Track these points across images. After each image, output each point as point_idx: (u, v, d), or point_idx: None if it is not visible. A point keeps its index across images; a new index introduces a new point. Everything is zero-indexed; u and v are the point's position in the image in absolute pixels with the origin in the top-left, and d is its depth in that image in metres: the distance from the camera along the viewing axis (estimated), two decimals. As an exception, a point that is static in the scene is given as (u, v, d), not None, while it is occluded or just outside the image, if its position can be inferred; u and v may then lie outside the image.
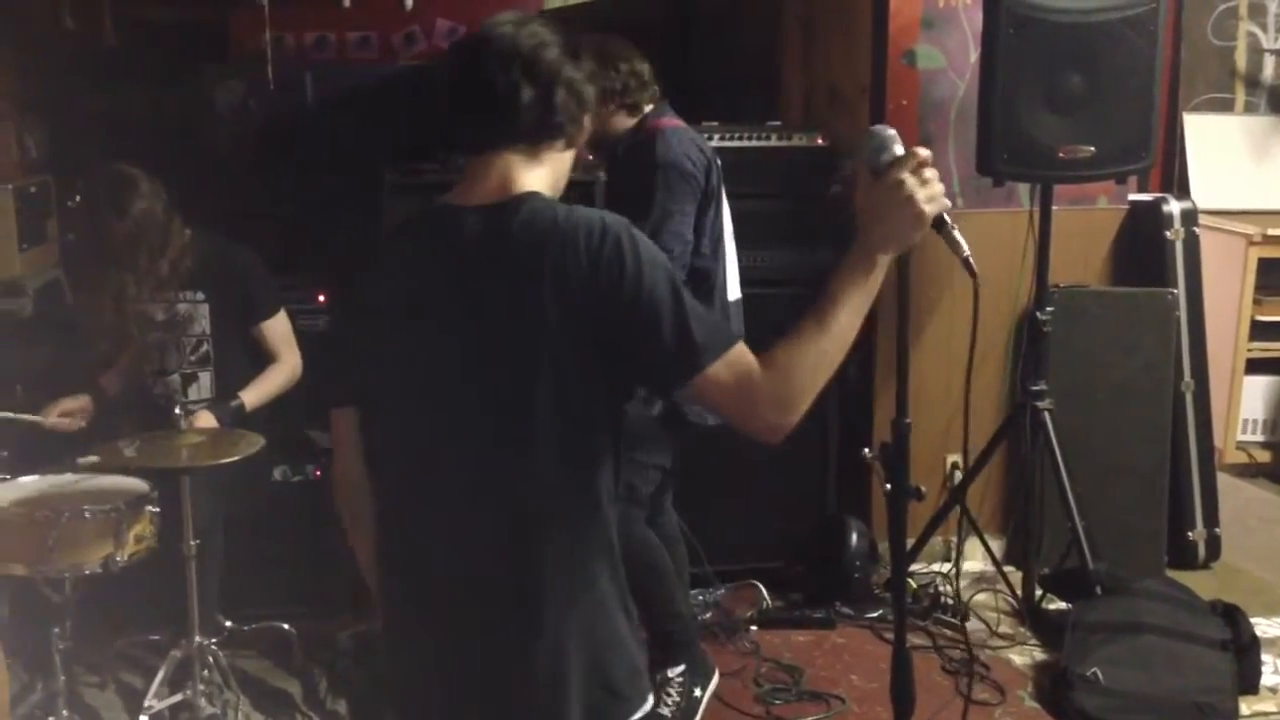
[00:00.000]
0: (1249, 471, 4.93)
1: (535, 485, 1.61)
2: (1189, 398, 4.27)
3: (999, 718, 3.32)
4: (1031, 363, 3.84)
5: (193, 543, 3.04)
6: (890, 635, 3.69)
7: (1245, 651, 3.41)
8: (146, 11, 5.20)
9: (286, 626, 3.60)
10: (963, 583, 3.98)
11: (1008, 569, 4.02)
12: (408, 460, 1.69)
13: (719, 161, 3.25)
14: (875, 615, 3.87)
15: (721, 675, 3.47)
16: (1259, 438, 4.96)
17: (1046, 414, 3.78)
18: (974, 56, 4.03)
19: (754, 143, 4.06)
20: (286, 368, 3.48)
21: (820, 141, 4.12)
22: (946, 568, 4.02)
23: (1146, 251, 4.29)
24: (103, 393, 3.51)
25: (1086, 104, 3.66)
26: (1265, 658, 3.46)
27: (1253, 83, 4.94)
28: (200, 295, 3.42)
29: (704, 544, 3.72)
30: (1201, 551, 4.27)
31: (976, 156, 3.78)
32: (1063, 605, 3.82)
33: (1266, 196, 4.89)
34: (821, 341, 1.59)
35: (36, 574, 2.94)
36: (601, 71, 3.15)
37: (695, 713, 3.30)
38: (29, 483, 3.13)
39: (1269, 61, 4.93)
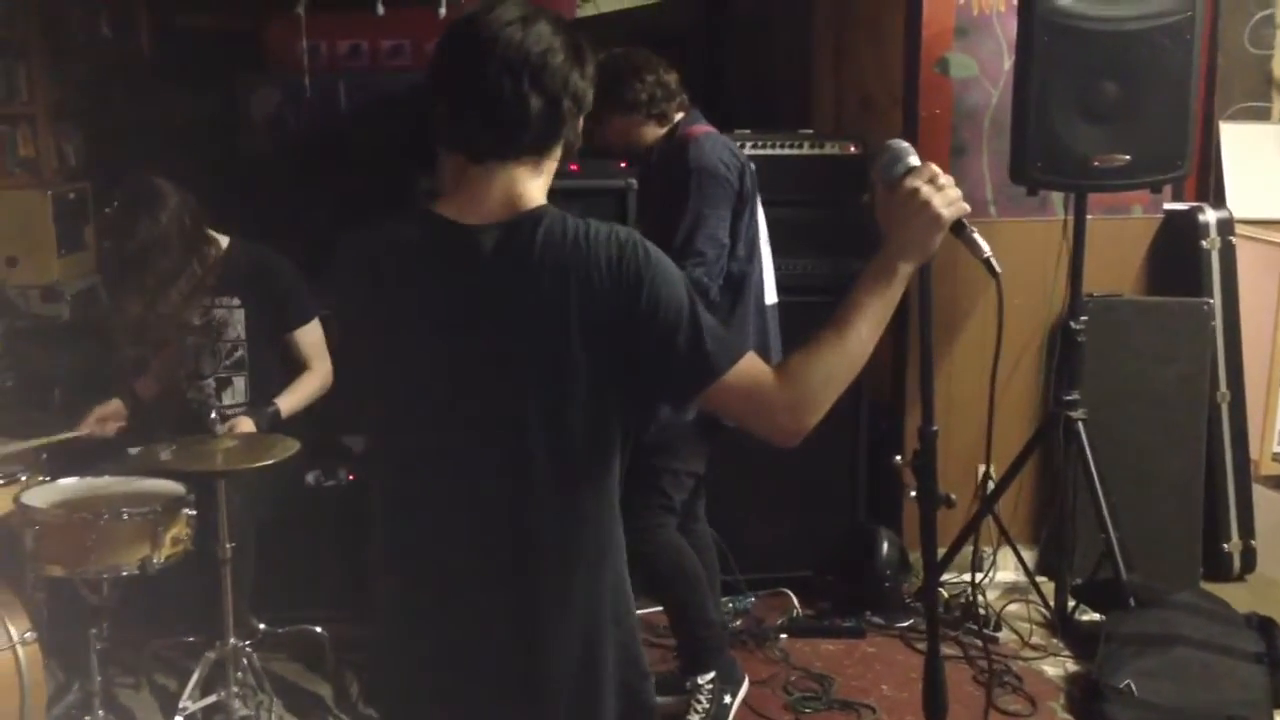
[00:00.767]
0: (1285, 483, 4.89)
1: (553, 493, 1.62)
2: (1224, 408, 4.24)
3: (1031, 729, 3.31)
4: (1065, 372, 3.82)
5: (228, 545, 3.06)
6: (921, 645, 3.70)
7: (1280, 665, 3.38)
8: (183, 20, 5.27)
9: (319, 630, 3.62)
10: (994, 593, 3.96)
11: (1040, 579, 3.99)
12: (424, 476, 1.67)
13: (752, 166, 3.26)
14: (906, 624, 3.86)
15: (751, 683, 3.46)
16: (1295, 449, 4.92)
17: (1080, 424, 3.75)
18: (1008, 64, 4.02)
19: (786, 151, 4.06)
20: (318, 376, 3.51)
21: (853, 150, 4.12)
22: (978, 578, 4.00)
23: (1182, 261, 4.26)
24: (138, 397, 3.55)
25: (1122, 112, 3.64)
26: (1301, 671, 3.43)
27: (1290, 91, 4.90)
28: (235, 301, 3.45)
29: (734, 552, 3.72)
30: (1236, 563, 4.24)
31: (1010, 165, 3.77)
32: (1095, 616, 3.80)
33: (1303, 206, 4.85)
34: (839, 350, 1.59)
35: (75, 575, 2.97)
36: (628, 83, 3.17)
37: (725, 719, 3.30)
38: (68, 485, 3.17)
39: (1306, 70, 4.89)
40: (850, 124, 4.60)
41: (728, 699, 3.33)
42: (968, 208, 1.66)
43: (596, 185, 3.77)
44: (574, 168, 3.40)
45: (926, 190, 1.62)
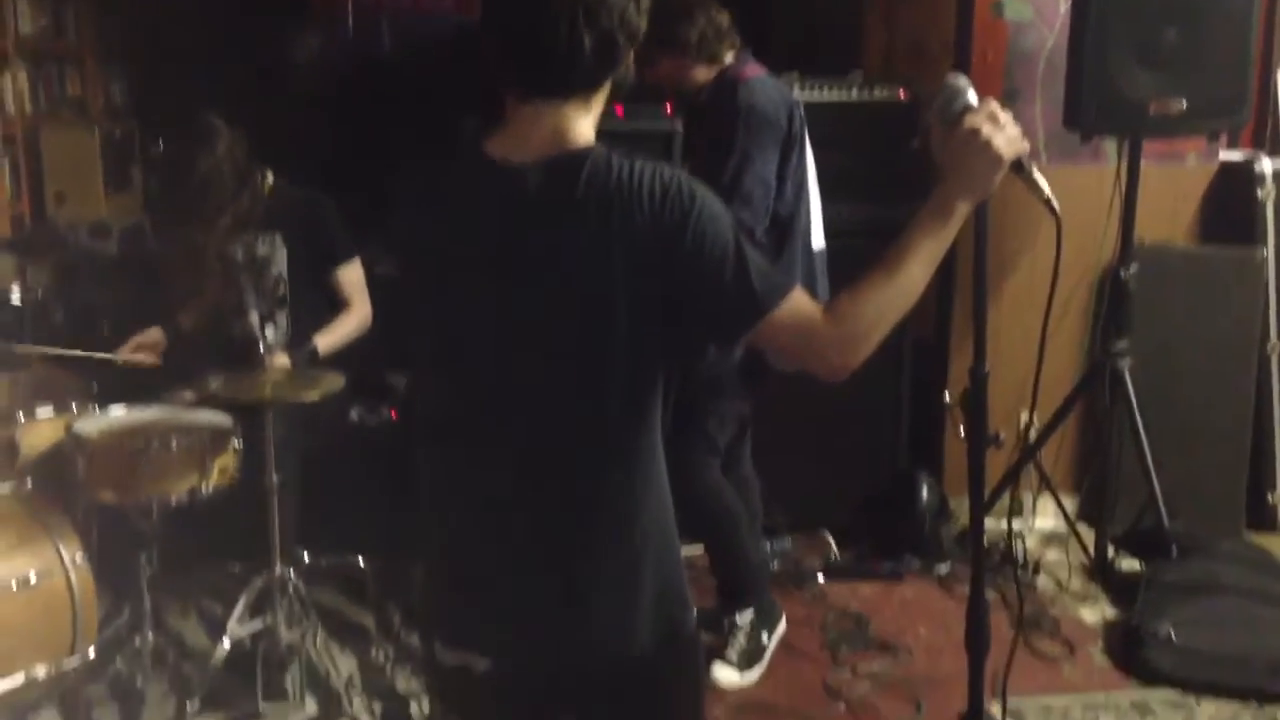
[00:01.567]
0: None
1: (597, 428, 1.62)
2: (1274, 360, 4.18)
3: (1067, 673, 3.30)
4: (1113, 320, 3.78)
5: (274, 477, 3.10)
6: (959, 590, 3.72)
7: (1323, 616, 3.36)
8: (229, -39, 5.26)
9: (362, 563, 3.67)
10: (1033, 540, 3.95)
11: (1080, 527, 3.98)
12: (467, 410, 1.68)
13: (801, 108, 3.22)
14: (944, 569, 3.86)
15: (788, 623, 3.49)
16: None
17: (1126, 372, 3.72)
18: (1064, 8, 3.95)
19: (834, 96, 4.02)
20: (357, 316, 3.53)
21: (901, 95, 4.06)
22: (1018, 524, 3.99)
23: (1236, 211, 4.19)
24: (182, 331, 3.60)
25: (1179, 57, 3.56)
26: (1344, 623, 3.41)
27: (1351, 39, 4.78)
28: (278, 238, 3.47)
29: (775, 494, 3.73)
30: (1280, 515, 4.20)
31: (1064, 110, 3.71)
32: (1135, 566, 3.78)
33: (1361, 157, 4.74)
34: (890, 287, 1.58)
35: (125, 501, 3.03)
36: (679, 23, 3.14)
37: (762, 657, 3.33)
38: (117, 415, 3.22)
39: (1369, 17, 4.76)
40: (899, 69, 4.54)
41: (765, 637, 3.35)
42: (1027, 146, 1.63)
43: (642, 129, 3.74)
44: (619, 111, 3.37)
45: (987, 128, 1.59)
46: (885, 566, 3.89)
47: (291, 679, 3.15)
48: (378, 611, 3.59)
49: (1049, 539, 4.04)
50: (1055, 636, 3.45)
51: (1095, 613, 3.64)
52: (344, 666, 3.27)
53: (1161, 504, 3.63)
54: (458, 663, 1.72)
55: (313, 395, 3.05)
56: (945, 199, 1.61)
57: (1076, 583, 3.80)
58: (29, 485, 3.11)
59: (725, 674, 3.25)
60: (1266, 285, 4.13)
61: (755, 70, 3.21)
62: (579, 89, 1.63)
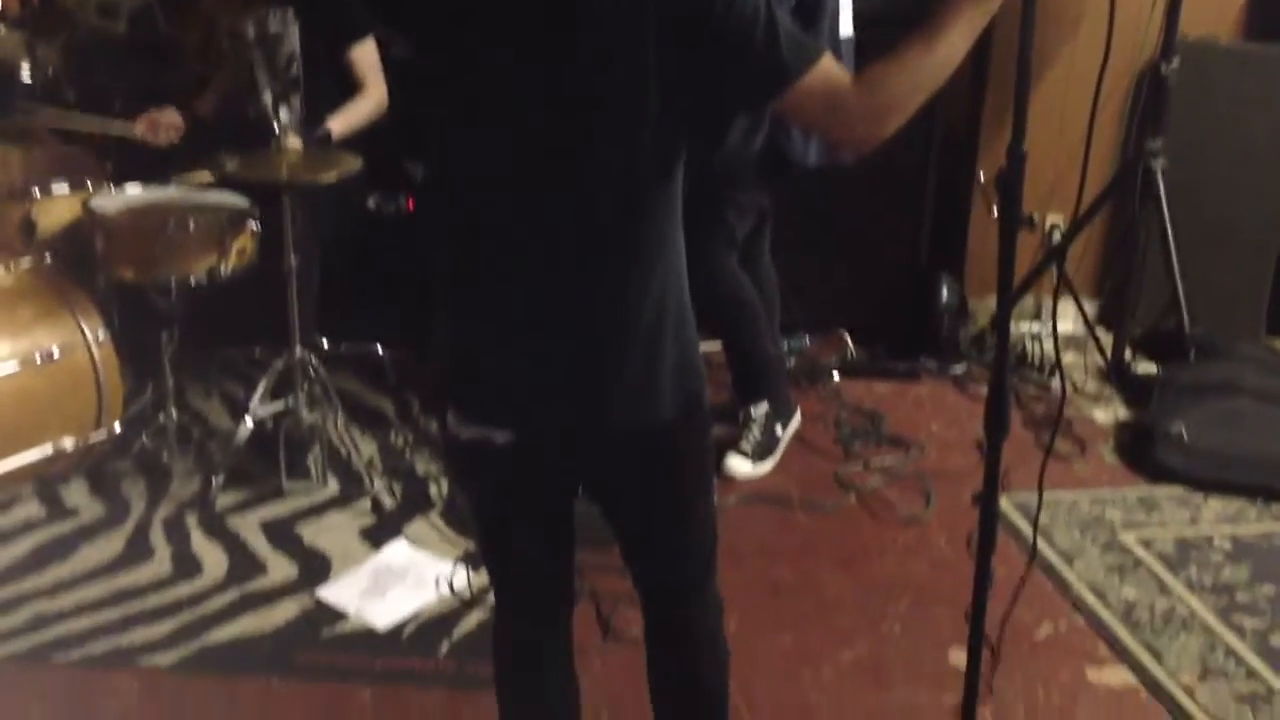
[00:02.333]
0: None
1: (618, 194, 1.59)
2: (1313, 165, 4.08)
3: (1077, 470, 3.35)
4: (1150, 118, 3.67)
5: (292, 258, 3.09)
6: (975, 388, 3.74)
7: (1338, 420, 3.37)
8: None
9: (380, 350, 3.70)
10: (1051, 343, 3.94)
11: (1099, 332, 3.96)
12: (490, 182, 1.64)
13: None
14: (960, 369, 3.87)
15: (803, 418, 3.52)
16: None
17: (1159, 172, 3.63)
18: None
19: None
20: (372, 98, 3.45)
21: None
22: (1037, 327, 3.98)
23: (1285, 7, 4.02)
24: (197, 115, 3.53)
25: None
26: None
27: None
28: (290, 13, 3.36)
29: (793, 292, 3.70)
30: (1303, 320, 4.17)
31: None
32: (1151, 370, 3.79)
33: None
34: (925, 58, 1.52)
35: (145, 280, 3.04)
36: None
37: (775, 449, 3.37)
38: (134, 194, 3.20)
39: None
40: None
41: (779, 430, 3.39)
42: None
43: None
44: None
45: None
46: (901, 366, 3.90)
47: (313, 459, 3.22)
48: (396, 398, 3.64)
49: (1067, 342, 4.02)
50: (1067, 435, 3.47)
51: (1108, 414, 3.66)
52: (364, 449, 3.33)
53: (1184, 305, 3.60)
54: (476, 437, 1.72)
55: (329, 177, 3.01)
56: None
57: (1092, 385, 3.82)
58: (48, 260, 3.12)
59: (739, 464, 3.30)
60: (1313, 86, 3.99)
61: None
62: None
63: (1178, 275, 3.63)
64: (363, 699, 2.42)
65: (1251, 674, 2.50)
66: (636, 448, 1.72)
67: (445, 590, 2.76)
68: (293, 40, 3.36)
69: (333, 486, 3.19)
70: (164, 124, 3.45)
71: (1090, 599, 2.75)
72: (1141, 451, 3.32)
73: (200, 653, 2.56)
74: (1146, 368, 3.81)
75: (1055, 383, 3.79)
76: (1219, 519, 3.10)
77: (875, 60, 1.56)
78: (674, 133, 1.59)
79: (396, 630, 2.64)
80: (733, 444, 3.32)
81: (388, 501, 3.13)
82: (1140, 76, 3.92)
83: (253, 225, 3.12)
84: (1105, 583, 2.82)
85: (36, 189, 3.15)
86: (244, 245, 3.11)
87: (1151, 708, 2.42)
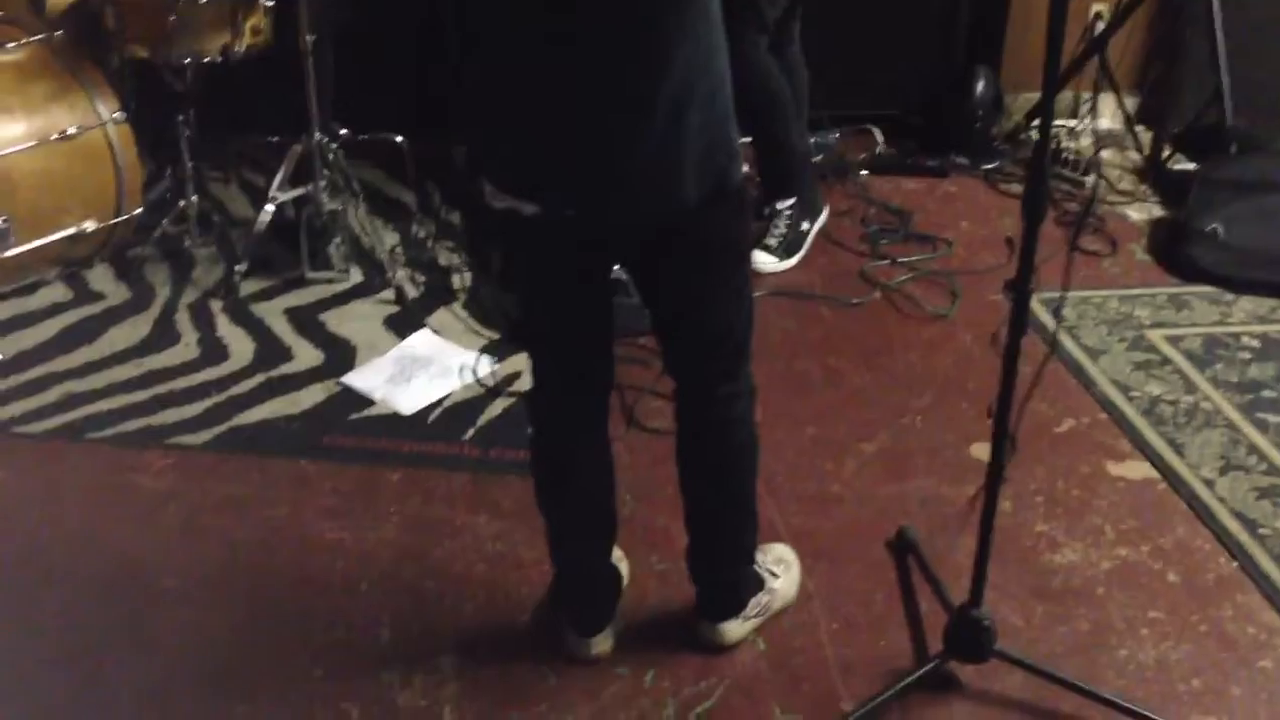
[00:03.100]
0: None
1: None
2: (1368, -46, 3.87)
3: (1107, 267, 3.30)
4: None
5: (308, 39, 2.99)
6: (1006, 186, 3.66)
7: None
8: None
9: (399, 140, 3.62)
10: (1088, 140, 3.84)
11: (1139, 130, 3.85)
12: None
13: None
14: (992, 166, 3.78)
15: (830, 214, 3.46)
16: None
17: (1211, -43, 3.46)
18: None
19: None
20: None
21: None
22: (1075, 123, 3.86)
23: None
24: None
25: None
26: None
27: None
28: None
29: (823, 86, 3.58)
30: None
31: None
32: (1188, 169, 3.68)
33: None
34: None
35: (159, 58, 2.96)
36: None
37: (801, 246, 3.33)
38: (143, -32, 3.07)
39: None
40: None
41: (805, 225, 3.34)
42: None
43: None
44: None
45: None
46: (931, 162, 3.80)
47: (335, 249, 3.19)
48: (418, 190, 3.58)
49: (1105, 138, 3.90)
50: (1099, 233, 3.41)
51: (1143, 213, 3.58)
52: (387, 239, 3.30)
53: (1227, 98, 3.48)
54: (507, 206, 1.71)
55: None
56: None
57: (1127, 183, 3.72)
58: (59, 36, 3.02)
59: (764, 259, 3.25)
60: None
61: None
62: None
63: (1224, 67, 3.49)
64: (391, 480, 2.47)
65: (1272, 469, 2.52)
66: (660, 229, 1.71)
67: (469, 379, 2.78)
68: None
69: (355, 276, 3.18)
70: None
71: (1114, 394, 2.75)
72: (1174, 249, 3.26)
73: (231, 432, 2.60)
74: (1184, 167, 3.70)
75: (1090, 179, 3.70)
76: (1249, 318, 3.06)
77: None
78: None
79: (422, 415, 2.66)
80: (759, 239, 3.27)
81: (411, 291, 3.12)
82: None
83: (264, 3, 3.02)
84: (1130, 379, 2.81)
85: (43, -38, 3.03)
86: (257, 22, 3.02)
87: (1170, 500, 2.44)
